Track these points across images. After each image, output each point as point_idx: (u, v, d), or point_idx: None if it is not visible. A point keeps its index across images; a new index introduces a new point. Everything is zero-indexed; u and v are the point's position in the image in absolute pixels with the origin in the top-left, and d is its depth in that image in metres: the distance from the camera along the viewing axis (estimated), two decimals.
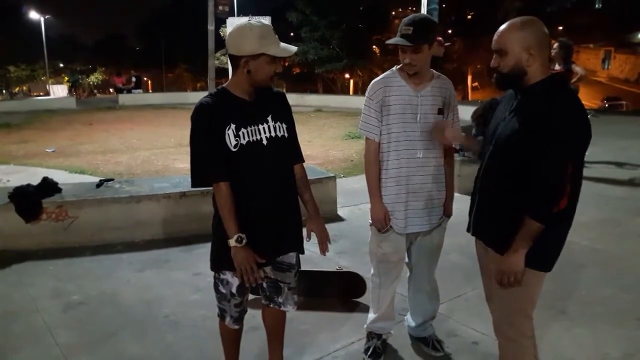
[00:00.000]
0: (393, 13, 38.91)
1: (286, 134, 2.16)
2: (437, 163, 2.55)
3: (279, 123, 2.13)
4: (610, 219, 5.10)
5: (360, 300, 3.39)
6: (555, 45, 7.05)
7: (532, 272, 1.90)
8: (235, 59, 2.01)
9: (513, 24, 1.86)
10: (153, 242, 4.53)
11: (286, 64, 34.13)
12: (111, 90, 43.89)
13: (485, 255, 2.12)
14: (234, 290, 2.22)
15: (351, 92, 37.23)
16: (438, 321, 2.96)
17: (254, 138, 2.06)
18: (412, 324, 2.88)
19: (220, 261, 2.18)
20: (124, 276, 3.87)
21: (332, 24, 30.55)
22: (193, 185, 2.14)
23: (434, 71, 2.51)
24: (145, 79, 35.73)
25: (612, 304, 3.34)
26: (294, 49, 2.06)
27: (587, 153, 6.67)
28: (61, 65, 47.61)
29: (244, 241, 2.01)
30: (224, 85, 2.13)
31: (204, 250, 4.39)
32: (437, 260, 2.73)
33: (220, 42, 14.69)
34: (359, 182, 6.19)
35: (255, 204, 2.09)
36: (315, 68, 32.22)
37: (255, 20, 2.02)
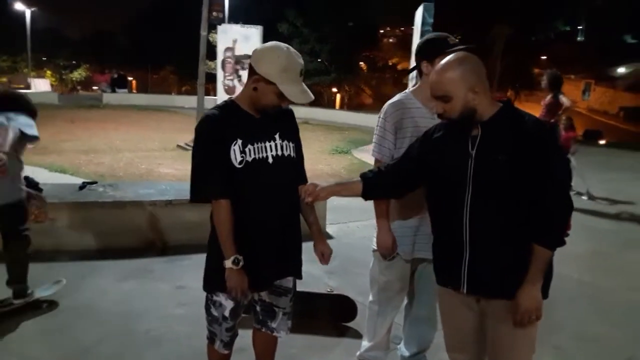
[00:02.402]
0: (382, 31, 39.36)
1: (293, 154, 2.07)
2: None
3: (286, 142, 2.04)
4: (599, 252, 5.11)
5: (350, 325, 3.29)
6: (544, 76, 7.15)
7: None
8: (251, 71, 1.92)
9: (449, 65, 1.76)
10: (135, 250, 4.36)
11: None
12: (94, 87, 43.29)
13: (464, 305, 1.93)
14: (226, 313, 2.10)
15: (337, 107, 37.35)
16: (430, 351, 2.86)
17: (260, 155, 1.96)
18: (406, 353, 2.78)
19: (215, 282, 2.06)
20: (102, 285, 3.70)
21: (322, 38, 30.69)
22: (192, 200, 2.03)
23: None
24: (130, 78, 35.24)
25: (605, 341, 3.30)
26: (309, 97, 1.94)
27: (572, 184, 6.66)
28: (44, 59, 46.77)
29: (241, 263, 1.91)
30: (232, 98, 2.03)
31: (189, 262, 4.31)
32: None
33: (210, 48, 14.57)
34: (348, 199, 6.10)
35: (256, 224, 1.99)
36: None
37: (292, 52, 1.90)
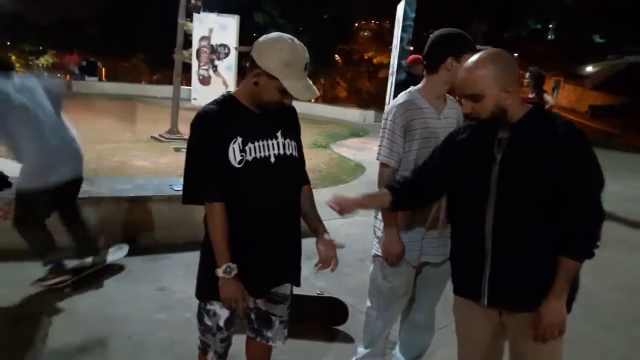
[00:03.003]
0: (357, 24, 39.26)
1: (295, 153, 1.95)
2: None
3: (288, 140, 1.92)
4: None
5: (341, 328, 3.19)
6: (527, 74, 7.20)
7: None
8: (252, 63, 1.78)
9: (481, 62, 1.65)
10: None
11: (247, 63, 33.69)
12: (58, 75, 41.68)
13: (483, 317, 1.84)
14: (221, 323, 1.98)
15: (312, 100, 37.16)
16: (425, 357, 2.80)
17: (261, 154, 1.83)
18: (402, 359, 2.70)
19: (209, 290, 1.93)
20: (80, 287, 3.50)
21: (299, 29, 30.41)
22: (184, 202, 1.89)
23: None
24: (99, 65, 34.27)
25: (595, 343, 3.31)
26: (314, 93, 1.81)
27: None
28: (8, 43, 45.02)
29: (234, 272, 1.80)
30: (231, 93, 1.89)
31: (169, 262, 4.14)
32: (442, 291, 2.57)
33: (184, 37, 14.20)
34: (330, 195, 5.99)
35: (256, 227, 1.87)
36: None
37: (298, 45, 1.77)
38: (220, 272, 1.78)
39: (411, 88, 2.37)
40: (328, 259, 1.97)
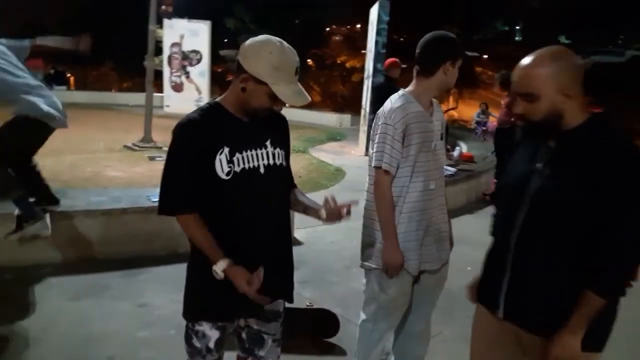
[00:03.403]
0: (328, 29, 39.38)
1: (285, 163, 1.86)
2: (443, 192, 2.38)
3: (278, 149, 1.82)
4: None
5: (332, 340, 3.10)
6: (497, 76, 7.29)
7: (584, 356, 1.52)
8: (239, 68, 1.68)
9: (541, 59, 1.49)
10: (89, 264, 3.99)
11: (219, 69, 33.41)
12: None
13: (499, 330, 1.71)
14: (211, 344, 1.86)
15: (288, 105, 37.03)
16: None
17: (250, 165, 1.73)
18: None
19: (197, 309, 1.83)
20: (56, 306, 3.34)
21: (271, 34, 30.32)
22: (160, 213, 1.77)
23: None
24: (68, 74, 33.49)
25: None
26: (306, 99, 1.71)
27: None
28: None
29: (230, 262, 1.67)
30: (217, 100, 1.79)
31: (149, 276, 3.98)
32: (438, 298, 2.52)
33: (156, 43, 13.93)
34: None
35: (246, 242, 1.76)
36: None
37: (287, 48, 1.67)
38: (219, 268, 1.65)
39: (403, 91, 2.31)
40: (337, 209, 1.80)
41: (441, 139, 2.33)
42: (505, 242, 1.62)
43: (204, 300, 1.78)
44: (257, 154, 1.75)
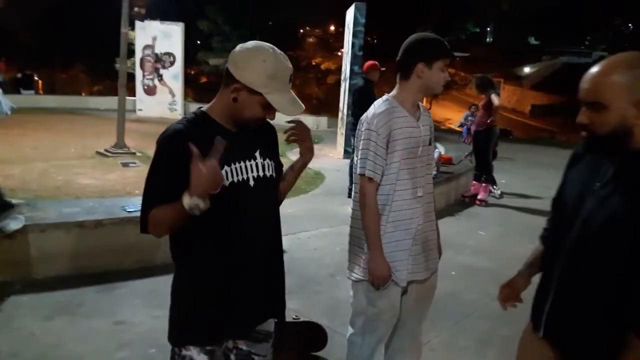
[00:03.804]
0: (302, 31, 39.37)
1: (274, 175, 1.76)
2: (431, 199, 2.30)
3: (268, 160, 1.73)
4: None
5: (320, 354, 3.01)
6: (473, 80, 7.35)
7: None
8: (228, 78, 1.57)
9: (614, 66, 1.34)
10: (62, 280, 3.79)
11: (192, 72, 33.02)
12: None
13: (540, 349, 1.60)
14: None
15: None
16: None
17: (240, 178, 1.63)
18: None
19: (184, 333, 1.71)
20: (27, 327, 3.15)
21: (245, 36, 30.12)
22: (142, 231, 1.64)
23: None
24: (36, 78, 32.54)
25: None
26: (300, 107, 1.63)
27: (504, 181, 6.83)
28: None
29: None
30: (203, 109, 1.67)
31: (126, 291, 3.81)
32: (428, 309, 2.44)
33: (127, 46, 13.64)
34: (292, 206, 5.83)
35: (237, 259, 1.66)
36: None
37: (280, 55, 1.58)
38: (186, 200, 1.43)
39: (387, 95, 2.24)
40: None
41: (429, 144, 2.26)
42: (552, 262, 1.52)
43: (191, 323, 1.66)
44: (246, 166, 1.66)
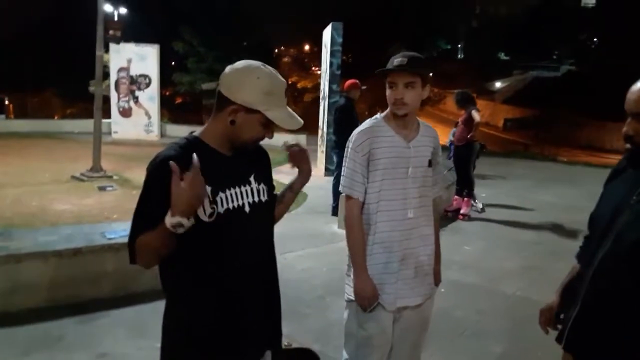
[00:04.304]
0: (277, 51, 39.67)
1: (269, 199, 1.71)
2: (428, 222, 2.23)
3: (262, 185, 1.68)
4: (532, 266, 5.17)
5: None
6: (454, 95, 7.44)
7: None
8: (222, 101, 1.52)
9: None
10: (39, 312, 3.60)
11: (167, 93, 32.80)
12: None
13: None
14: None
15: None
16: None
17: (235, 204, 1.57)
18: None
19: None
20: None
21: (220, 57, 30.14)
22: (131, 262, 1.55)
23: (417, 118, 2.24)
24: (6, 102, 31.92)
25: None
26: (299, 122, 1.60)
27: (484, 195, 6.84)
28: None
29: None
30: (195, 134, 1.61)
31: (108, 321, 3.66)
32: (424, 339, 2.35)
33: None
34: (277, 226, 5.68)
35: (232, 288, 1.58)
36: (202, 99, 31.43)
37: (271, 70, 1.55)
38: (168, 220, 1.37)
39: (378, 115, 2.22)
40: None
41: (429, 165, 2.19)
42: (581, 275, 1.51)
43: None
44: (241, 192, 1.60)
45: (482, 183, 9.32)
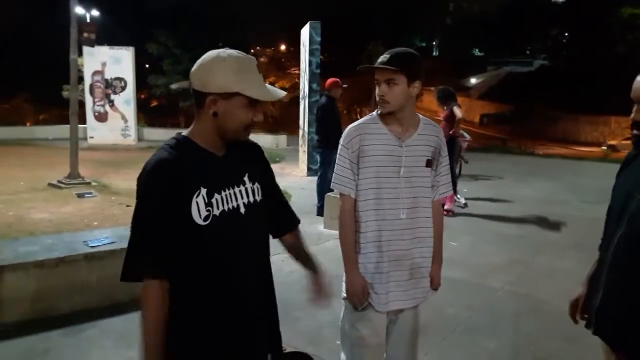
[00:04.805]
0: (252, 51, 39.44)
1: (261, 198, 1.65)
2: (425, 224, 2.17)
3: (256, 184, 1.63)
4: (517, 260, 5.22)
5: None
6: (435, 92, 7.47)
7: None
8: (200, 97, 1.48)
9: None
10: (23, 325, 3.48)
11: (142, 96, 32.36)
12: None
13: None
14: None
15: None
16: None
17: (230, 206, 1.52)
18: None
19: None
20: None
21: (196, 58, 29.89)
22: (122, 279, 1.48)
23: (421, 116, 2.18)
24: None
25: (566, 358, 3.27)
26: (281, 92, 1.57)
27: (466, 190, 6.92)
28: None
29: None
30: (184, 134, 1.55)
31: (95, 332, 3.56)
32: (418, 343, 2.27)
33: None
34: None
35: (230, 292, 1.54)
36: (179, 101, 31.09)
37: (235, 51, 1.51)
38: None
39: (374, 112, 2.18)
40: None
41: (427, 165, 2.14)
42: (603, 260, 1.55)
43: None
44: (236, 192, 1.55)
45: (463, 178, 9.41)
